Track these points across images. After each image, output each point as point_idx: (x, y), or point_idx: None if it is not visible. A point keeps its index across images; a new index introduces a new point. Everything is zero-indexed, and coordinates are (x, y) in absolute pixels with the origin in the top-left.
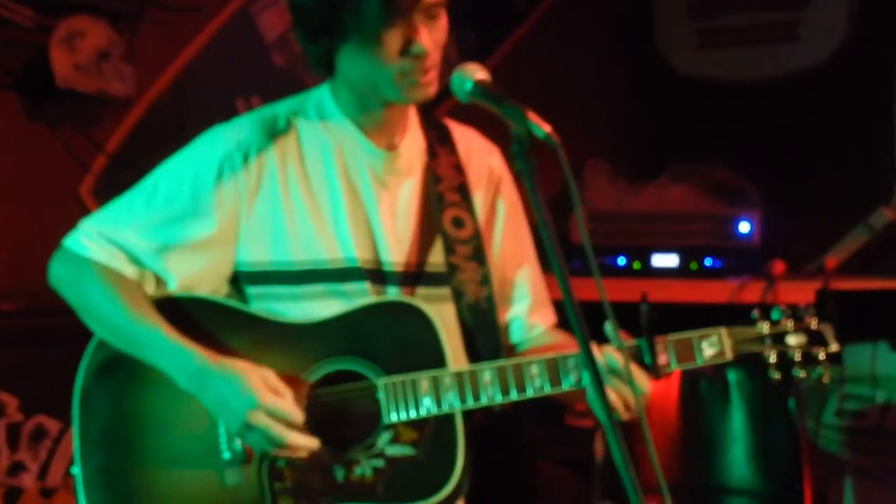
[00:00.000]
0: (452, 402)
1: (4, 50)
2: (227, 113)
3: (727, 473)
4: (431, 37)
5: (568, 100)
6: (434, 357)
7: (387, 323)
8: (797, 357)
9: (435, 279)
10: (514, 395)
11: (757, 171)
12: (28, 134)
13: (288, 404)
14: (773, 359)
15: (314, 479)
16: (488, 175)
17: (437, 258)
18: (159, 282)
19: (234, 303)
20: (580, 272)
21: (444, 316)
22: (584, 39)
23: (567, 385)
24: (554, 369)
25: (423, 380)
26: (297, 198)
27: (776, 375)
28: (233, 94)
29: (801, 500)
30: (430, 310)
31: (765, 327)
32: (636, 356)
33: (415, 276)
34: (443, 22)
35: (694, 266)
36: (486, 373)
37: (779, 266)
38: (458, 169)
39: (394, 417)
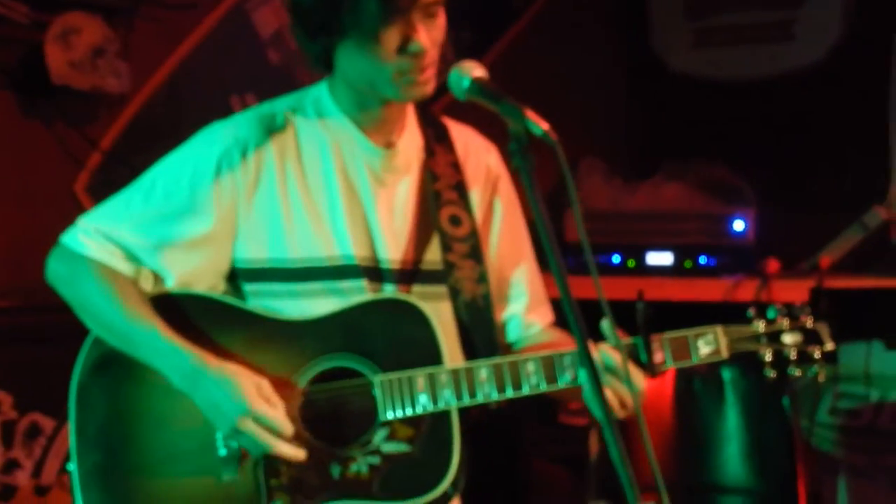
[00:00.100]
0: (448, 400)
1: None
2: (222, 110)
3: (721, 471)
4: (430, 35)
5: (563, 98)
6: (430, 354)
7: (383, 320)
8: (793, 356)
9: (432, 277)
10: (510, 393)
11: (751, 169)
12: (23, 131)
13: (279, 415)
14: (768, 357)
15: (310, 476)
16: (486, 173)
17: (434, 256)
18: (157, 279)
19: (231, 300)
20: (575, 270)
21: (440, 313)
22: (579, 38)
23: (563, 383)
24: (550, 367)
25: (420, 377)
26: (294, 195)
27: (772, 374)
28: (228, 91)
29: (795, 498)
30: (427, 307)
31: (760, 326)
32: (632, 354)
33: (412, 273)
34: (441, 20)
35: (688, 264)
36: (483, 370)
37: (773, 264)
38: (456, 167)
39: (390, 414)
